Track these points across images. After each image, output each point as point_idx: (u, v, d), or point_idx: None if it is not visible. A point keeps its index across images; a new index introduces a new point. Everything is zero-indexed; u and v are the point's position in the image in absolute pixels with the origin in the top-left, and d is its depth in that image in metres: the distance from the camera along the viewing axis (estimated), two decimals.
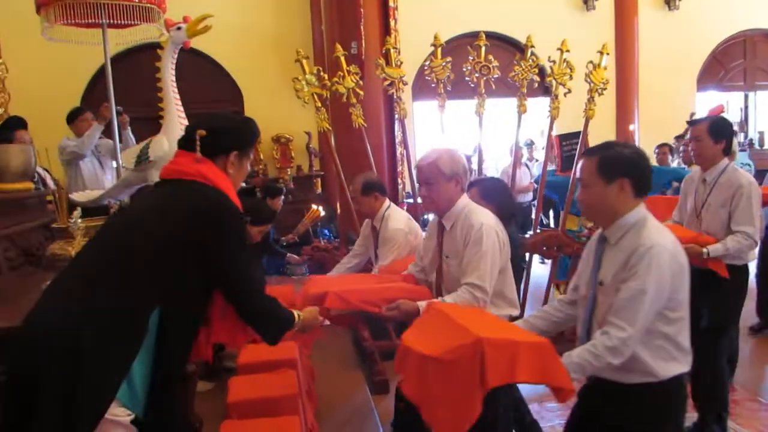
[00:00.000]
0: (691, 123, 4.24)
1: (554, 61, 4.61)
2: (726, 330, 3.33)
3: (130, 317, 1.55)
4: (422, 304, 2.37)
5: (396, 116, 4.85)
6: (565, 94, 4.61)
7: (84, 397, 1.47)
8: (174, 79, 3.59)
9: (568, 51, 4.61)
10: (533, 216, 5.39)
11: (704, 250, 3.21)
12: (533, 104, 5.47)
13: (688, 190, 3.47)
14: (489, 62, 4.52)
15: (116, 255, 1.63)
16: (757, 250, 4.02)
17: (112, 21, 3.96)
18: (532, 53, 4.62)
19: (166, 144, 3.54)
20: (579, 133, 4.96)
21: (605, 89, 4.66)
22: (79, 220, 2.09)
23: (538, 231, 4.89)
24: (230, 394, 2.45)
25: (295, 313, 1.99)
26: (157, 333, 1.60)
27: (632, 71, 9.43)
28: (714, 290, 3.19)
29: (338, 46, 4.50)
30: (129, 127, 5.16)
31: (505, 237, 2.45)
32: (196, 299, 1.72)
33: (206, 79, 8.29)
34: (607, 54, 4.69)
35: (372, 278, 3.12)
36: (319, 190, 8.50)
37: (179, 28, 3.52)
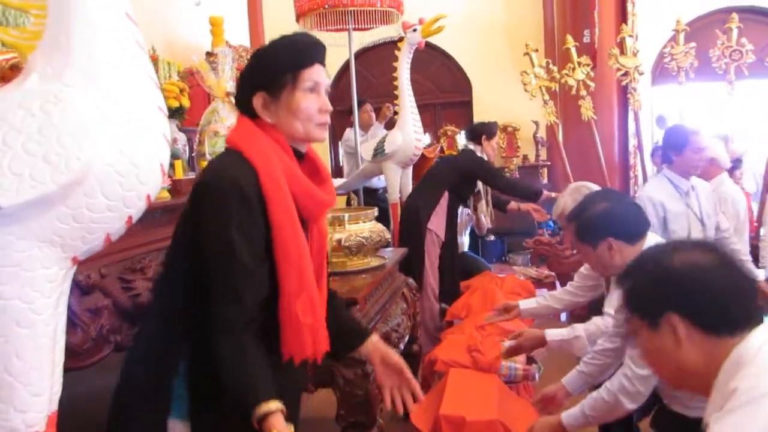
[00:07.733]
0: None
1: None
2: None
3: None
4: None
5: (630, 107, 4.61)
6: None
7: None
8: (408, 77, 3.84)
9: None
10: None
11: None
12: None
13: None
14: (741, 46, 4.06)
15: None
16: None
17: (357, 25, 4.38)
18: None
19: (400, 138, 3.83)
20: None
21: None
22: None
23: None
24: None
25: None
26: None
27: None
28: None
29: (569, 38, 4.41)
30: None
31: None
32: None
33: (436, 69, 8.60)
34: None
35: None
36: (545, 180, 8.35)
37: (415, 30, 3.75)
